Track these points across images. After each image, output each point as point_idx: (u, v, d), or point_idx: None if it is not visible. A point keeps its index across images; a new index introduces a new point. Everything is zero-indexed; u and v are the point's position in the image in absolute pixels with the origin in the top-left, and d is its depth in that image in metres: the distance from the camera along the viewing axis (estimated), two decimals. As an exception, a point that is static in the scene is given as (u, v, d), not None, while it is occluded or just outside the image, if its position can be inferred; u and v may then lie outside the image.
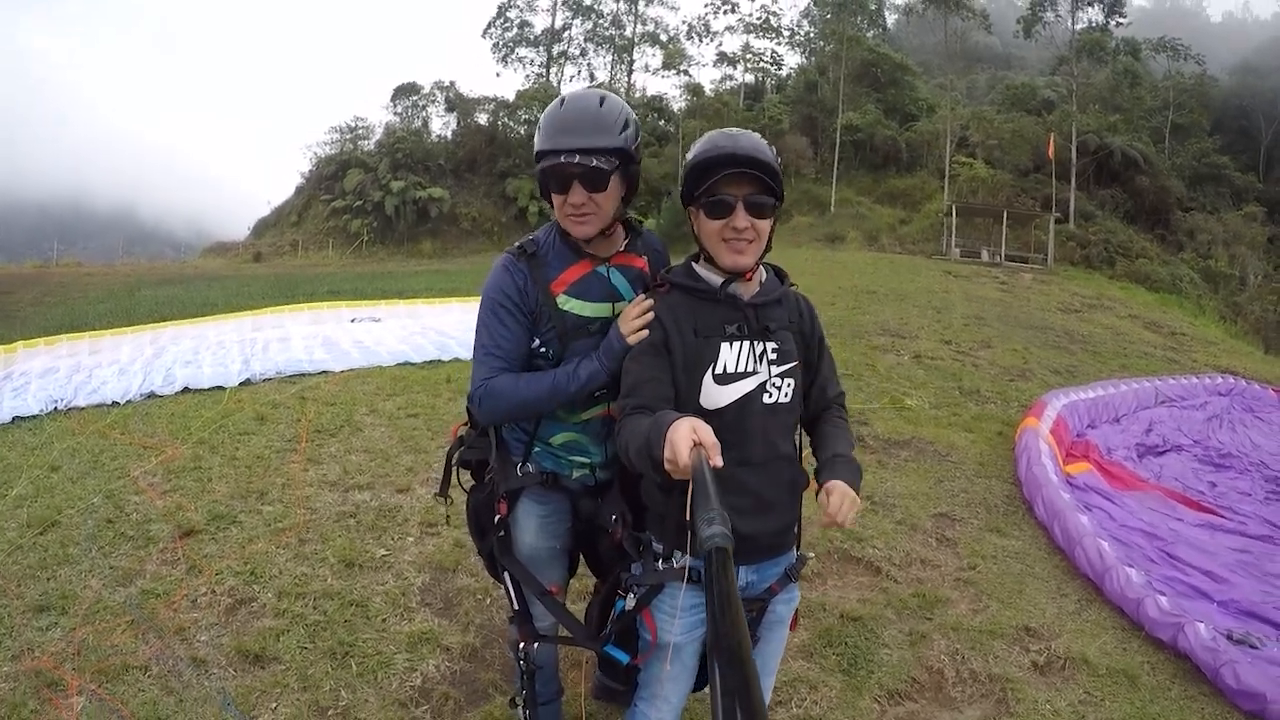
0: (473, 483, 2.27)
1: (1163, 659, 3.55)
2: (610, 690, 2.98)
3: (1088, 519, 4.64)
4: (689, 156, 1.86)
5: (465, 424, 2.30)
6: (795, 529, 2.03)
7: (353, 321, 10.84)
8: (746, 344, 1.85)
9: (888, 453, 6.02)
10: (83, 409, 6.26)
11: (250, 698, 2.87)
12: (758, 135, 1.85)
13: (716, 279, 1.87)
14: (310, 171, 43.41)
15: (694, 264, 1.94)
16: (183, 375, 7.12)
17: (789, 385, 1.90)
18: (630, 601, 1.93)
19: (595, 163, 1.88)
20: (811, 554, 2.11)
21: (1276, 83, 49.63)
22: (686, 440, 1.40)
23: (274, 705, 2.84)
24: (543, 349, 2.03)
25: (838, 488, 1.80)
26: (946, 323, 11.41)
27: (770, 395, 1.87)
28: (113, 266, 28.50)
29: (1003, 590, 4.10)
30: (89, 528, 4.11)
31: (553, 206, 2.01)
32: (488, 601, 3.64)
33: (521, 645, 2.20)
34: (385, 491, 4.78)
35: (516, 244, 2.07)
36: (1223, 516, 5.32)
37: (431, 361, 8.26)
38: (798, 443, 2.02)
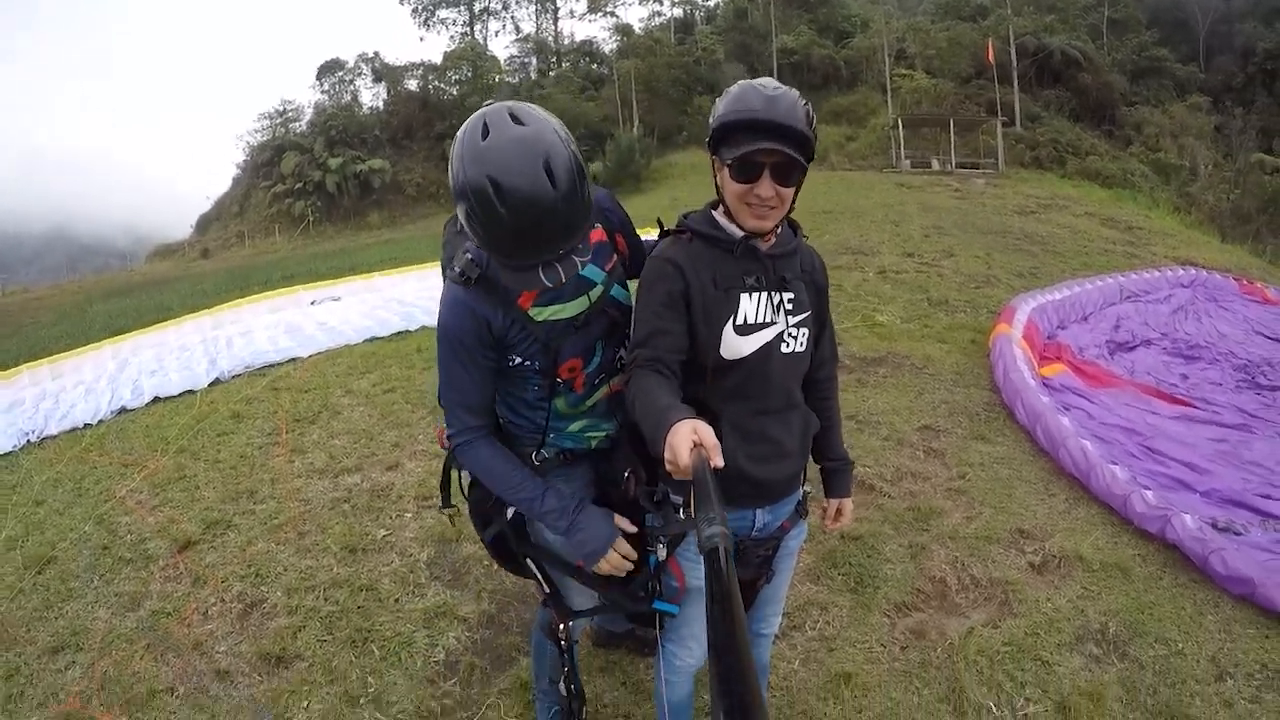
0: (471, 478, 2.10)
1: (1152, 550, 3.67)
2: (611, 635, 3.04)
3: (1068, 420, 4.74)
4: (720, 108, 1.76)
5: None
6: (804, 467, 2.08)
7: (312, 304, 10.51)
8: (764, 295, 1.85)
9: (866, 371, 6.08)
10: (56, 437, 6.07)
11: (280, 700, 2.87)
12: (795, 95, 1.74)
13: (737, 231, 1.84)
14: (245, 161, 42.56)
15: (714, 213, 1.90)
16: (150, 385, 6.92)
17: (804, 335, 1.92)
18: (662, 552, 1.93)
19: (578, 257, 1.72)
20: (809, 487, 2.15)
21: (1209, -28, 49.45)
22: (686, 442, 1.40)
23: (305, 704, 2.85)
24: (527, 363, 1.86)
25: (847, 509, 2.20)
26: (906, 235, 11.42)
27: (788, 345, 1.89)
28: (60, 286, 27.52)
29: (993, 496, 4.20)
30: (86, 558, 4.03)
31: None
32: (495, 567, 3.61)
33: (562, 627, 2.16)
34: (375, 471, 4.73)
35: (456, 270, 1.77)
36: (1197, 408, 5.44)
37: (399, 333, 8.09)
38: None
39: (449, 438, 1.92)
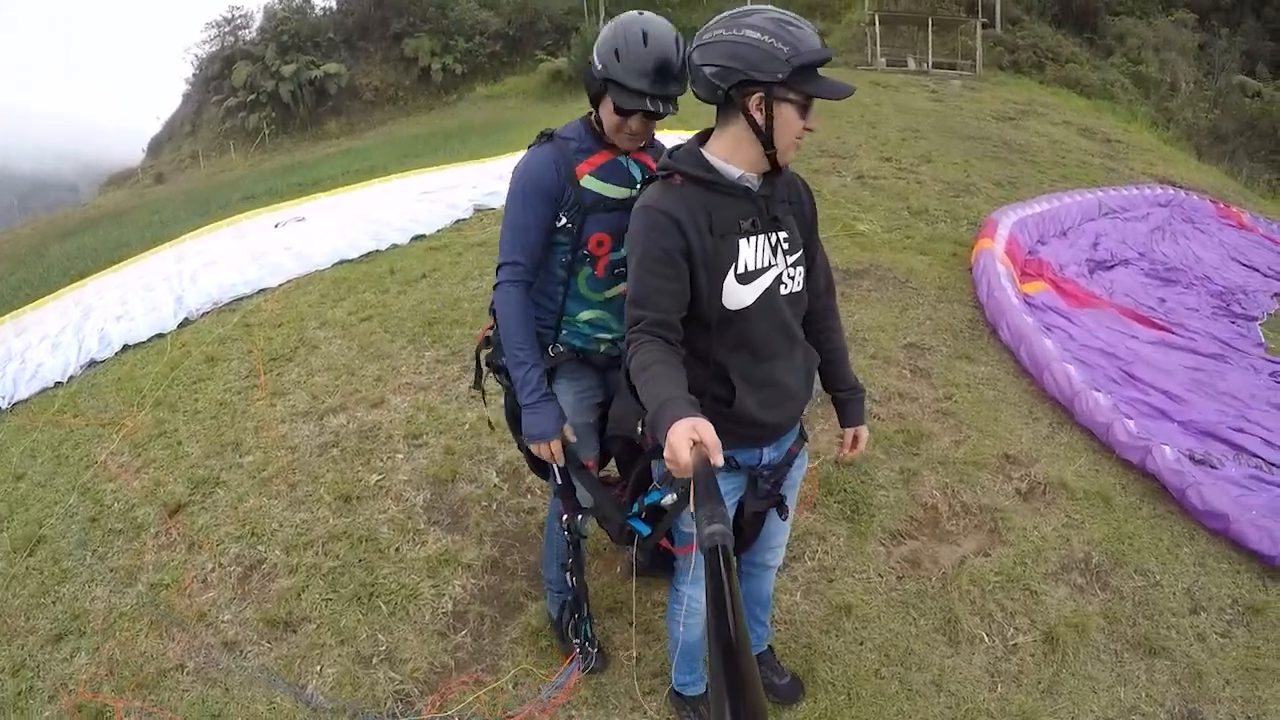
0: (507, 385, 2.36)
1: (1132, 480, 3.75)
2: (651, 564, 3.09)
3: (1052, 343, 4.73)
4: (778, 45, 1.64)
5: (492, 326, 2.41)
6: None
7: (276, 227, 9.93)
8: (761, 237, 1.80)
9: (849, 284, 5.97)
10: (27, 400, 5.78)
11: (293, 667, 2.89)
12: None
13: (733, 170, 1.75)
14: (194, 75, 39.74)
15: (704, 151, 1.80)
16: (117, 332, 6.61)
17: (799, 273, 1.89)
18: (669, 499, 1.96)
19: (671, 109, 2.06)
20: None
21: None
22: (686, 441, 1.39)
23: (318, 668, 2.88)
24: (567, 224, 2.18)
25: (863, 436, 2.22)
26: (883, 138, 11.12)
27: (786, 286, 1.86)
28: (13, 231, 26.02)
29: (979, 418, 4.23)
30: (75, 533, 3.92)
31: (598, 118, 2.18)
32: (494, 507, 3.64)
33: (565, 518, 2.41)
34: (360, 409, 4.61)
35: (546, 131, 2.23)
36: (1174, 334, 5.43)
37: (369, 254, 7.66)
38: None
39: (499, 277, 2.22)
